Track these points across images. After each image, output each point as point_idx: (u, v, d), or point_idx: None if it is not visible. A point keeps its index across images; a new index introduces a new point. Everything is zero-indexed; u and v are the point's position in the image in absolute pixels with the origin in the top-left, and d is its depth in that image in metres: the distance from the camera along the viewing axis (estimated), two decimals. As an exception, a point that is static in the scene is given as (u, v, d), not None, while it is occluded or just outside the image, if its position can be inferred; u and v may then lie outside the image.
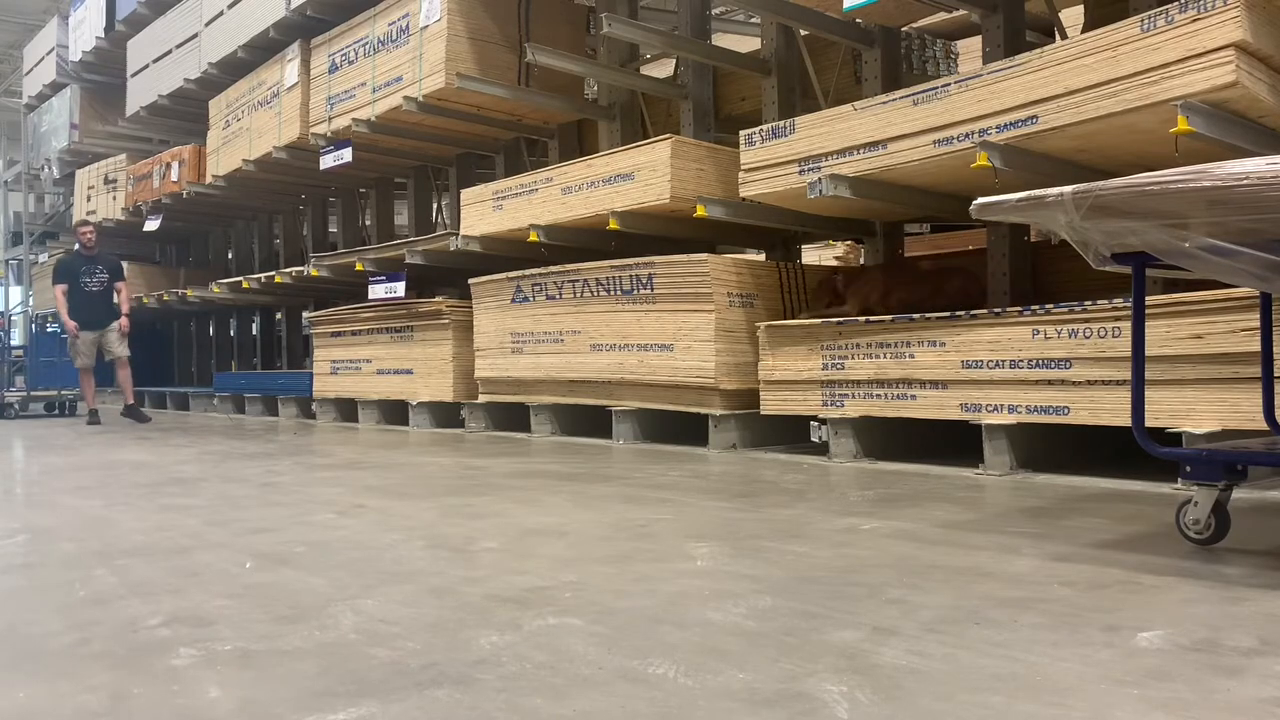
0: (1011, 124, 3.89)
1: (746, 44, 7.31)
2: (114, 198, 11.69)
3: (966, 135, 4.02)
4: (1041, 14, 5.46)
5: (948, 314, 4.24)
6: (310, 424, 8.13)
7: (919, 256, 6.20)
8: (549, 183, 6.09)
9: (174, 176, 10.20)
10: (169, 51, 10.11)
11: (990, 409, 4.04)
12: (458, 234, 6.73)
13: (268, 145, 8.53)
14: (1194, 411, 3.50)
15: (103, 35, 11.49)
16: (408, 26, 6.95)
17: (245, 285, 9.38)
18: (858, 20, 5.35)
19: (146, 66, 10.57)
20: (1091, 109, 3.65)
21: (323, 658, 1.70)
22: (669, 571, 2.31)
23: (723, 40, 7.70)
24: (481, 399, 6.67)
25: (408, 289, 7.45)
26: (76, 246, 9.11)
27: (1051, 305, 3.91)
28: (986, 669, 1.57)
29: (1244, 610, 1.89)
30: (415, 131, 7.61)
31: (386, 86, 7.13)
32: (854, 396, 4.55)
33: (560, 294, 5.99)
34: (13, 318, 17.21)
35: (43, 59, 13.46)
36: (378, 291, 7.62)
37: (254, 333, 12.33)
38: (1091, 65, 3.64)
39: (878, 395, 4.46)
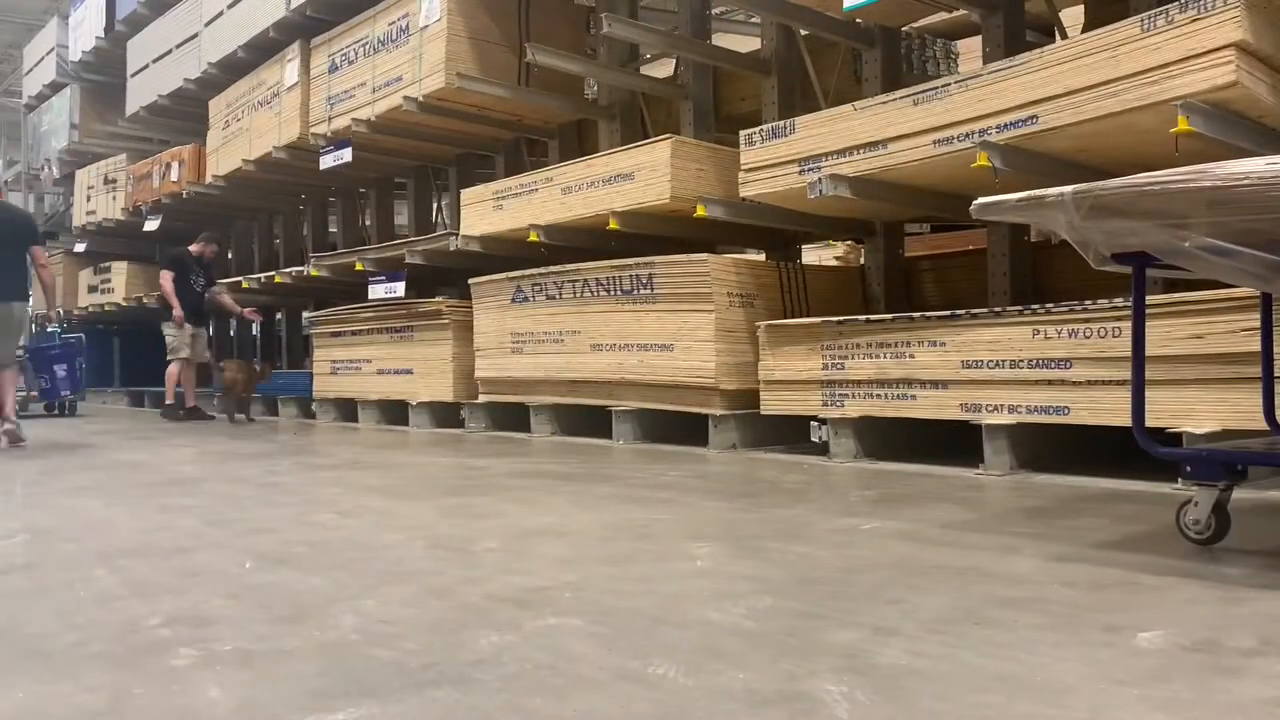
0: (1011, 124, 3.89)
1: (746, 44, 7.31)
2: (114, 198, 11.68)
3: (967, 135, 4.02)
4: (1041, 14, 5.46)
5: (948, 313, 4.24)
6: (310, 424, 8.13)
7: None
8: (549, 183, 6.09)
9: (174, 176, 10.20)
10: (169, 51, 10.11)
11: (990, 409, 4.04)
12: (458, 234, 6.73)
13: (267, 145, 8.52)
14: (1194, 411, 3.50)
15: (102, 35, 11.49)
16: (408, 26, 6.95)
17: (245, 285, 9.37)
18: (858, 20, 5.35)
19: (146, 66, 10.57)
20: (1092, 109, 3.65)
21: (323, 658, 1.70)
22: (669, 572, 2.31)
23: (723, 40, 7.69)
24: (481, 399, 6.67)
25: (408, 289, 7.45)
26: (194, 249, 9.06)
27: (1051, 305, 3.91)
28: (986, 669, 1.57)
29: (1244, 610, 1.89)
30: (415, 131, 7.60)
31: (386, 86, 7.12)
32: (854, 396, 4.54)
33: (560, 294, 5.99)
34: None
35: (43, 59, 13.46)
36: (378, 291, 7.62)
37: (254, 333, 12.33)
38: (1092, 65, 3.64)
39: (878, 395, 4.45)
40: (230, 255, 12.51)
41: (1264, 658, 1.60)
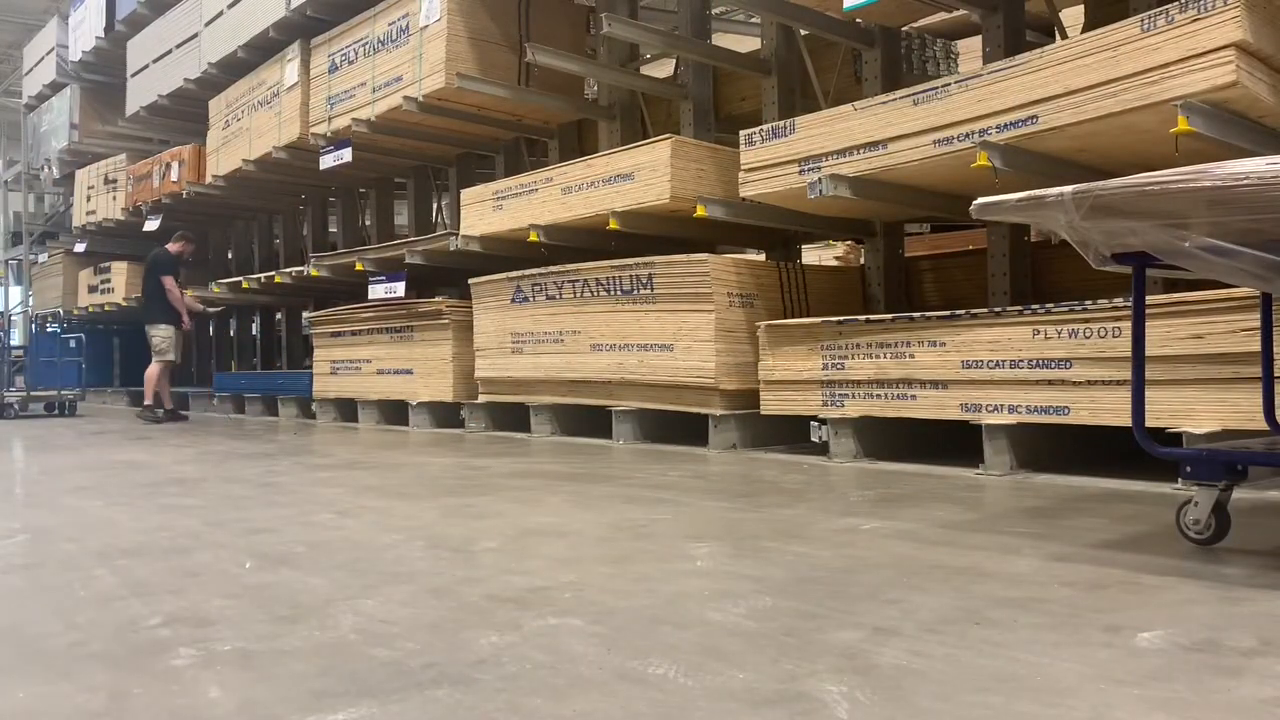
0: (1011, 124, 3.89)
1: (746, 44, 7.31)
2: (114, 198, 11.68)
3: (966, 135, 4.02)
4: (1041, 14, 5.46)
5: (947, 314, 4.24)
6: (310, 424, 8.13)
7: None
8: (549, 183, 6.09)
9: (174, 176, 10.20)
10: (169, 51, 10.10)
11: (990, 409, 4.04)
12: (458, 234, 6.73)
13: (268, 145, 8.52)
14: (1194, 411, 3.50)
15: (103, 35, 11.48)
16: (408, 26, 6.95)
17: (245, 285, 9.38)
18: (858, 20, 5.35)
19: (146, 66, 10.57)
20: (1092, 109, 3.65)
21: (323, 658, 1.70)
22: (669, 572, 2.31)
23: (723, 40, 7.70)
24: (481, 399, 6.67)
25: (408, 289, 7.45)
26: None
27: (1051, 305, 3.91)
28: (986, 669, 1.57)
29: (1244, 610, 1.89)
30: (415, 131, 7.60)
31: (386, 86, 7.12)
32: (854, 396, 4.54)
33: (560, 294, 5.99)
34: (13, 318, 17.22)
35: (43, 59, 13.46)
36: (378, 291, 7.62)
37: (254, 333, 12.33)
38: (1091, 65, 3.64)
39: (878, 395, 4.45)
40: (230, 255, 12.52)
41: (1264, 658, 1.60)
